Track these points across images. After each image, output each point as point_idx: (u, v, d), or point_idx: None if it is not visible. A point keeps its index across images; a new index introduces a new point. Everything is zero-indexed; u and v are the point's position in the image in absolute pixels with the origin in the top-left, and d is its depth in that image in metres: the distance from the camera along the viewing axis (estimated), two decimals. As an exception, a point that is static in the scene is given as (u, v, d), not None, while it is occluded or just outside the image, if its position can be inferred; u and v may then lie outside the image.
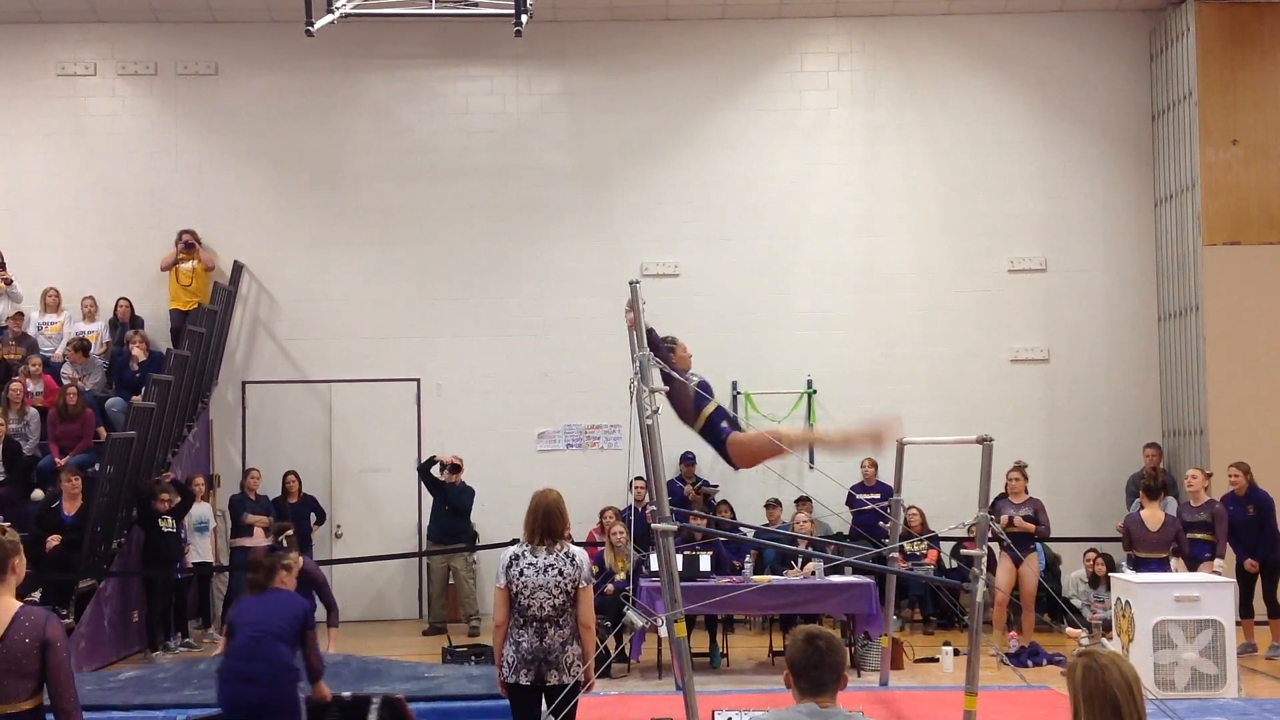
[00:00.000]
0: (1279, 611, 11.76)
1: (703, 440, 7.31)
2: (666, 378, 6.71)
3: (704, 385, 7.25)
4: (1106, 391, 15.17)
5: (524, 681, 6.35)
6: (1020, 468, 12.05)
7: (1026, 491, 11.98)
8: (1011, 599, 11.78)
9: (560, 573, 6.39)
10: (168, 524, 12.60)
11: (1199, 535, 11.27)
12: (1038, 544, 13.34)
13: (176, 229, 14.84)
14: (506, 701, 6.60)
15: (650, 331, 6.94)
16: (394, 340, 15.11)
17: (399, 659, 11.07)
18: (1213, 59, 14.26)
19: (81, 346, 14.05)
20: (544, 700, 6.38)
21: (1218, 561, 11.08)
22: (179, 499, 12.85)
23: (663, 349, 7.02)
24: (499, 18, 12.67)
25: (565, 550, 6.47)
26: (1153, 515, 10.98)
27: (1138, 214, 15.33)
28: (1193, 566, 11.04)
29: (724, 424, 7.13)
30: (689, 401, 7.09)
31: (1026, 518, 11.71)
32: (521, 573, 6.42)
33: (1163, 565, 10.86)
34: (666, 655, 10.94)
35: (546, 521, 6.49)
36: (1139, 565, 10.88)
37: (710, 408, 7.12)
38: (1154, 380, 15.17)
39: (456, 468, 14.00)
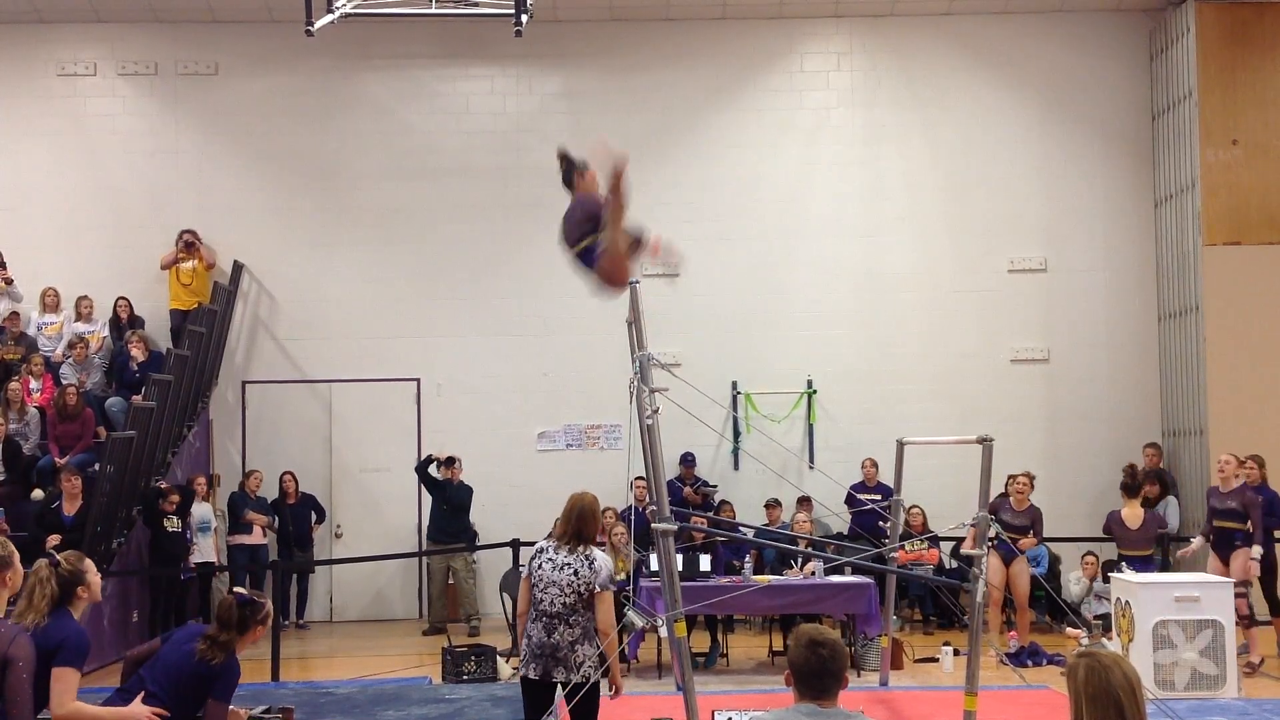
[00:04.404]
0: None
1: (576, 266, 7.07)
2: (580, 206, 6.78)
3: (593, 218, 6.94)
4: (1106, 391, 15.17)
5: (532, 675, 6.36)
6: (1030, 476, 11.95)
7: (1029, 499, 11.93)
8: (1008, 599, 11.78)
9: (575, 573, 6.37)
10: (173, 524, 12.62)
11: (1229, 524, 10.98)
12: (1040, 545, 13.35)
13: (177, 229, 14.83)
14: None
15: (565, 156, 7.00)
16: (394, 340, 15.11)
17: (409, 675, 11.10)
18: (1213, 59, 14.26)
19: (83, 344, 14.09)
20: (557, 696, 6.34)
21: (1255, 549, 10.81)
22: (180, 498, 12.87)
23: (574, 168, 7.02)
24: (499, 18, 12.66)
25: (587, 552, 6.44)
26: (1132, 514, 11.18)
27: (1138, 214, 15.33)
28: (1225, 556, 10.91)
29: (597, 247, 6.89)
30: (575, 230, 6.95)
31: (1023, 526, 11.68)
32: (540, 565, 6.46)
33: (1147, 562, 10.92)
34: (666, 655, 10.94)
35: (579, 524, 6.50)
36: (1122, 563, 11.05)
37: (591, 240, 6.89)
38: (1154, 380, 15.17)
39: (452, 461, 13.99)
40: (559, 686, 6.32)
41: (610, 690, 6.45)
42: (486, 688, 9.77)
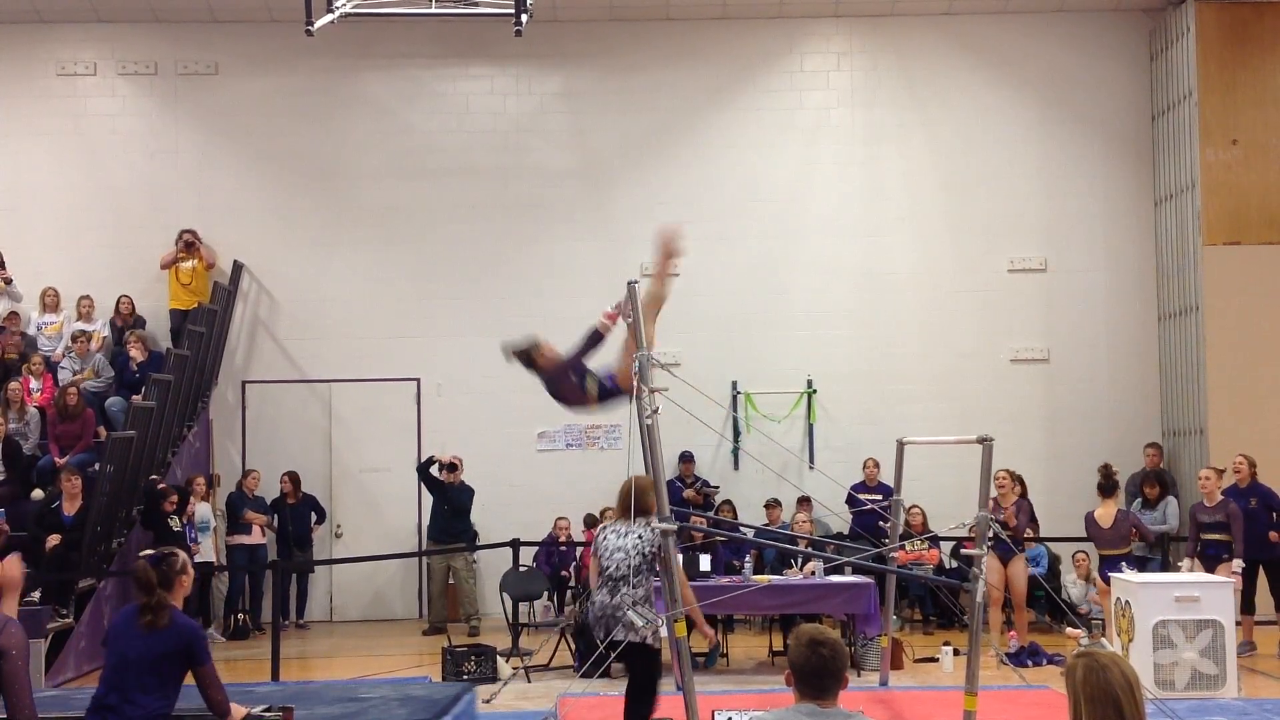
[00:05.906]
0: None
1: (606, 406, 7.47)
2: (550, 381, 7.26)
3: (577, 369, 7.37)
4: (1106, 391, 15.17)
5: (599, 639, 6.84)
6: (1008, 472, 11.89)
7: (1018, 494, 11.89)
8: (1006, 599, 11.77)
9: (640, 536, 6.89)
10: (176, 524, 12.61)
11: (1215, 536, 11.23)
12: (1040, 545, 13.37)
13: (177, 228, 14.83)
14: None
15: (517, 351, 7.37)
16: (394, 340, 15.11)
17: (409, 674, 11.08)
18: (1213, 59, 14.25)
19: (85, 338, 14.11)
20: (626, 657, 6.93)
21: (1236, 562, 11.04)
22: (177, 497, 12.85)
23: (529, 353, 7.42)
24: (499, 18, 12.68)
25: (649, 522, 6.90)
26: (1105, 513, 11.37)
27: (1138, 214, 15.33)
28: (1210, 568, 11.04)
29: (603, 376, 7.33)
30: (574, 391, 7.32)
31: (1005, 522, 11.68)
32: (605, 539, 7.05)
33: (1124, 561, 11.02)
34: (666, 655, 10.91)
35: (626, 499, 6.96)
36: (1100, 562, 11.27)
37: (592, 382, 7.29)
38: (1154, 380, 15.17)
39: (454, 467, 14.01)
40: (618, 647, 6.76)
41: (705, 640, 7.17)
42: (406, 688, 9.27)
